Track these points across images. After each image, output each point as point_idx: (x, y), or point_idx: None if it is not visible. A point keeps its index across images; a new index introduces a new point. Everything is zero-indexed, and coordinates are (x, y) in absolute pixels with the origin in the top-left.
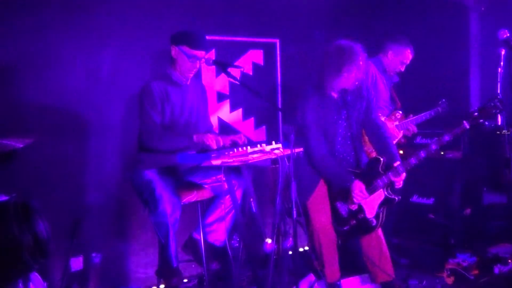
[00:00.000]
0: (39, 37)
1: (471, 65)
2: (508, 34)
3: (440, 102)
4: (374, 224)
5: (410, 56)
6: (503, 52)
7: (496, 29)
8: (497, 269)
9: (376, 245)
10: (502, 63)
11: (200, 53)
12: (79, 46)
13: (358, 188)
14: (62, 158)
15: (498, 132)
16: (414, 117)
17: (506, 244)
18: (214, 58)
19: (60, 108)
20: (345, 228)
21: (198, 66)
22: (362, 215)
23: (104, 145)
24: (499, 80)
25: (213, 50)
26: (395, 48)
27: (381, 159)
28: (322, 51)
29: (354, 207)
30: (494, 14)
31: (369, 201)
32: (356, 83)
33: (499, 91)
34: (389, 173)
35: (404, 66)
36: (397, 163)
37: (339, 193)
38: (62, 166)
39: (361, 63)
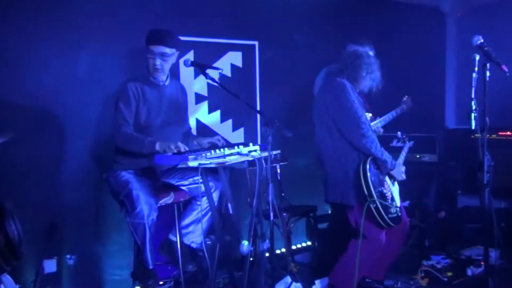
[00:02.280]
0: (16, 37)
1: (447, 69)
2: (482, 40)
3: (404, 100)
4: (400, 214)
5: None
6: (477, 58)
7: (471, 35)
8: (470, 271)
9: None
10: (476, 68)
11: (155, 48)
12: (57, 46)
13: (402, 168)
14: (37, 159)
15: (472, 136)
16: (381, 119)
17: (479, 246)
18: (192, 59)
19: (36, 108)
20: (393, 216)
21: (158, 63)
22: (396, 204)
23: (80, 146)
24: (473, 85)
25: (192, 51)
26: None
27: None
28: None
29: (390, 194)
30: (470, 20)
31: (395, 191)
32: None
33: (473, 96)
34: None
35: None
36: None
37: (381, 179)
38: (37, 167)
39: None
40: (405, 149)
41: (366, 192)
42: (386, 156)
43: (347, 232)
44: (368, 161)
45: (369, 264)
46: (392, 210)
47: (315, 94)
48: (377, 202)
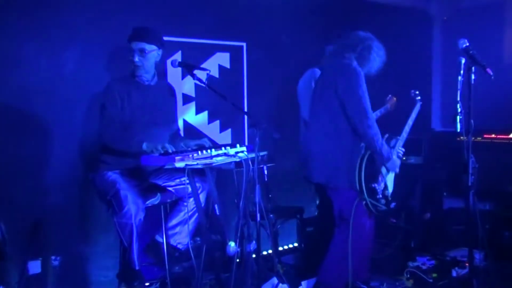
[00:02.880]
0: (1, 36)
1: (433, 72)
2: (468, 44)
3: (387, 98)
4: (390, 200)
5: None
6: (463, 61)
7: (457, 38)
8: (455, 272)
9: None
10: (462, 72)
11: (134, 44)
12: (42, 46)
13: (398, 163)
14: (22, 159)
15: (457, 139)
16: None
17: (464, 248)
18: (180, 60)
19: (21, 108)
20: (383, 209)
21: (136, 59)
22: (387, 192)
23: (64, 146)
24: (459, 87)
25: (179, 52)
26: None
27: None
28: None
29: (382, 186)
30: (456, 23)
31: (390, 177)
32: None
33: (459, 99)
34: (398, 142)
35: None
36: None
37: (373, 173)
38: (22, 167)
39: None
40: (414, 113)
41: (357, 187)
42: (385, 150)
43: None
44: (366, 156)
45: (356, 255)
46: (382, 202)
47: (299, 90)
48: (366, 199)
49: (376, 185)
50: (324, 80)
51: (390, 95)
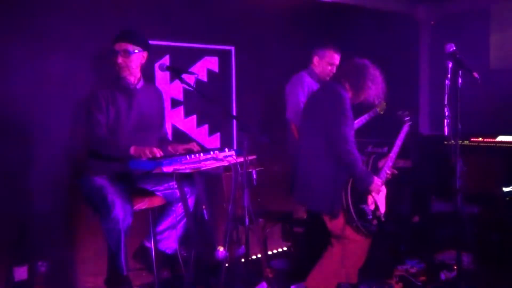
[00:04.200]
0: None
1: (420, 76)
2: (455, 48)
3: (377, 102)
4: (384, 219)
5: (336, 56)
6: (450, 65)
7: (444, 42)
8: (443, 275)
9: None
10: (449, 76)
11: (117, 45)
12: (28, 49)
13: (380, 183)
14: (7, 163)
15: (445, 142)
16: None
17: (452, 251)
18: (168, 64)
19: (6, 112)
20: (373, 228)
21: (120, 60)
22: (379, 213)
23: (51, 151)
24: (446, 92)
25: (167, 56)
26: (319, 52)
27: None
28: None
29: (372, 207)
30: (443, 28)
31: (381, 197)
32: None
33: (446, 102)
34: (387, 163)
35: (334, 67)
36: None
37: (360, 194)
38: (7, 171)
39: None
40: (402, 134)
41: (345, 214)
42: (365, 174)
43: (322, 236)
44: (350, 182)
45: (348, 267)
46: (374, 222)
47: (286, 94)
48: (356, 222)
49: (365, 206)
50: (316, 99)
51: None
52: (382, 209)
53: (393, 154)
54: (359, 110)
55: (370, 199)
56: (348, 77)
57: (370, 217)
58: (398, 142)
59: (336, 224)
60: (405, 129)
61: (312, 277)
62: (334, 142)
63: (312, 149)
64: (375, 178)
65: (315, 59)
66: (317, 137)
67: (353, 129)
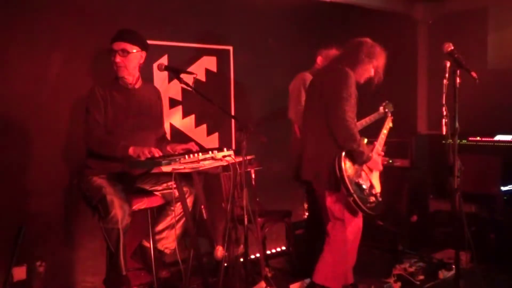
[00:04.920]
0: None
1: (418, 75)
2: (453, 47)
3: (384, 104)
4: (380, 200)
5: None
6: (448, 64)
7: (442, 42)
8: (441, 274)
9: None
10: (447, 75)
11: (115, 45)
12: (26, 50)
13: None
14: (5, 163)
15: (443, 141)
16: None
17: (450, 250)
18: (166, 64)
19: (4, 112)
20: (372, 205)
21: (118, 60)
22: (375, 191)
23: (50, 150)
24: (444, 91)
25: (166, 56)
26: (323, 52)
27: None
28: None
29: (368, 184)
30: (441, 27)
31: (375, 177)
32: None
33: (444, 102)
34: (374, 149)
35: None
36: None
37: (357, 170)
38: (6, 172)
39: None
40: (386, 126)
41: (343, 187)
42: (364, 148)
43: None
44: (343, 155)
45: (351, 255)
46: (371, 199)
47: (289, 93)
48: (354, 196)
49: (361, 180)
50: (314, 84)
51: (387, 101)
52: (378, 188)
53: (379, 145)
54: (364, 111)
55: (364, 175)
56: (344, 55)
57: (367, 191)
58: (384, 130)
59: (337, 204)
60: (388, 119)
61: (318, 271)
62: (332, 117)
63: (317, 127)
64: (375, 155)
65: (319, 59)
66: (321, 117)
67: (354, 107)
